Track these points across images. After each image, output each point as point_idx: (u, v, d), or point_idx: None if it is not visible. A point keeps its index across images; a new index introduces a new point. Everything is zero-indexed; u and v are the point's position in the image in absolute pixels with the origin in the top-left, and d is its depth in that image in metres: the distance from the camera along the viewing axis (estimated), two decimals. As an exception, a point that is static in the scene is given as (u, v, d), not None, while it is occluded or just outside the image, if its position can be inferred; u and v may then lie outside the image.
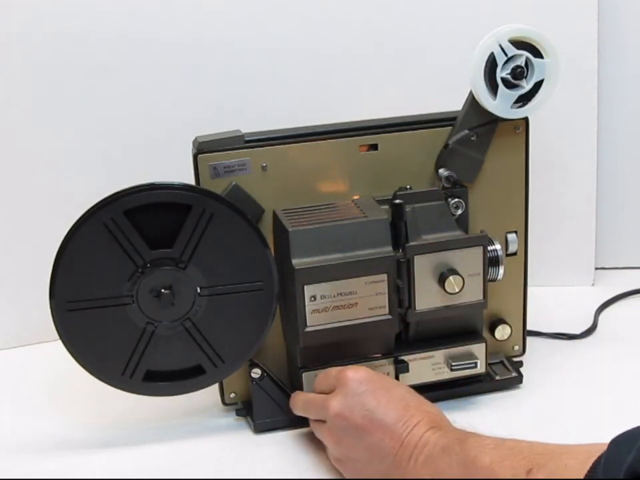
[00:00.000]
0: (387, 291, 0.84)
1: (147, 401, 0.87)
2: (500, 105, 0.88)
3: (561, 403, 0.91)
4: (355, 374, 0.78)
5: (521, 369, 0.95)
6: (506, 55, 0.86)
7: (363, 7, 1.07)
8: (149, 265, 0.82)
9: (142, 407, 0.91)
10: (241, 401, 0.92)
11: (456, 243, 0.85)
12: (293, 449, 0.86)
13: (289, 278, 0.84)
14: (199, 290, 0.83)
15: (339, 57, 1.08)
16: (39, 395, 0.98)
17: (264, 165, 0.87)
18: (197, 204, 0.81)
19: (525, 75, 0.87)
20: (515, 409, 0.90)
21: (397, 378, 0.88)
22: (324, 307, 0.83)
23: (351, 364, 0.85)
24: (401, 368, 0.87)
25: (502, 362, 0.96)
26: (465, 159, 0.90)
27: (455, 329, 0.89)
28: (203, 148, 0.86)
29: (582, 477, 0.57)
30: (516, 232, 0.94)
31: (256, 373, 0.88)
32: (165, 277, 0.83)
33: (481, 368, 0.89)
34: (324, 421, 0.79)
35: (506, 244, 0.93)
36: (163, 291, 0.83)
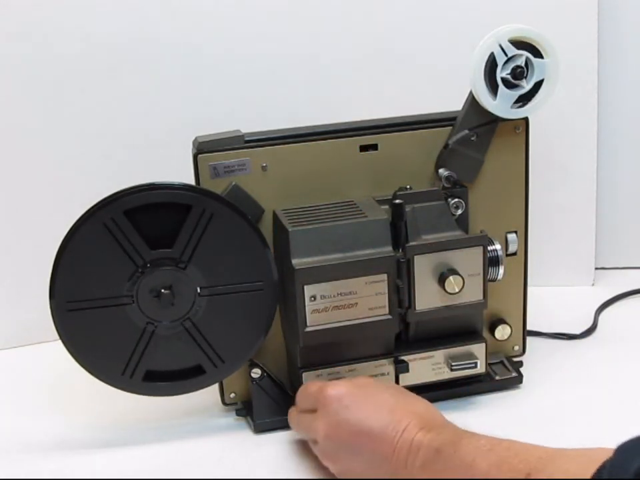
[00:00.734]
0: (387, 291, 0.84)
1: (147, 401, 0.87)
2: (500, 105, 0.88)
3: (560, 403, 0.91)
4: (334, 390, 0.77)
5: (521, 369, 0.95)
6: (506, 54, 0.86)
7: (362, 7, 1.07)
8: (148, 265, 0.82)
9: (142, 407, 0.91)
10: (241, 401, 0.92)
11: (456, 242, 0.85)
12: (293, 449, 0.86)
13: (289, 278, 0.84)
14: (198, 290, 0.83)
15: (338, 57, 1.08)
16: (39, 395, 0.98)
17: (264, 165, 0.87)
18: (197, 204, 0.81)
19: (524, 75, 0.87)
20: (515, 409, 0.90)
21: (397, 378, 0.88)
22: (324, 306, 0.83)
23: (351, 364, 0.85)
24: (400, 368, 0.87)
25: (502, 362, 0.96)
26: (465, 159, 0.90)
27: (454, 329, 0.89)
28: (202, 148, 0.86)
29: None
30: (516, 232, 0.94)
31: (256, 372, 0.88)
32: (165, 277, 0.83)
33: (480, 368, 0.89)
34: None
35: (506, 244, 0.93)
36: (162, 291, 0.83)
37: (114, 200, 0.80)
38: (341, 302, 0.83)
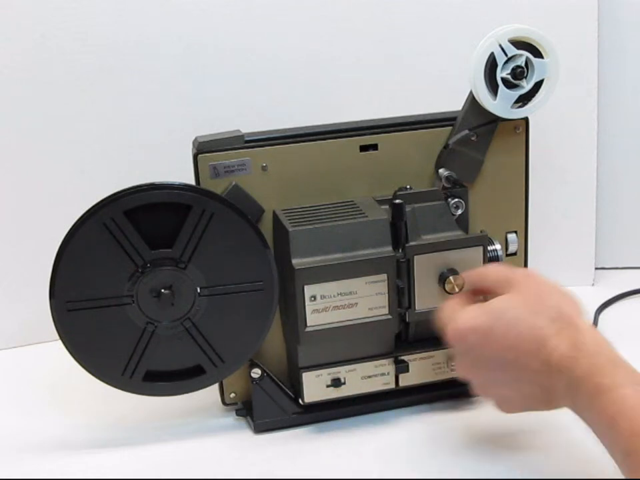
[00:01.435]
0: (387, 291, 0.84)
1: (147, 401, 0.87)
2: (500, 104, 0.88)
3: (561, 402, 0.91)
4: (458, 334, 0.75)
5: (521, 369, 0.95)
6: (506, 55, 0.86)
7: (363, 7, 1.07)
8: (149, 265, 0.82)
9: (142, 407, 0.91)
10: (241, 401, 0.92)
11: (456, 242, 0.85)
12: (293, 449, 0.86)
13: (289, 278, 0.84)
14: (198, 290, 0.83)
15: (339, 57, 1.08)
16: (39, 395, 0.98)
17: (264, 165, 0.87)
18: (197, 204, 0.81)
19: (525, 75, 0.87)
20: (515, 408, 0.90)
21: (397, 378, 0.88)
22: (324, 306, 0.83)
23: (351, 364, 0.85)
24: (400, 368, 0.87)
25: (502, 362, 0.95)
26: (465, 159, 0.90)
27: (455, 329, 0.89)
28: (202, 148, 0.86)
29: None
30: (516, 232, 0.94)
31: (256, 372, 0.88)
32: (165, 277, 0.83)
33: (480, 368, 0.89)
34: None
35: (506, 244, 0.93)
36: (163, 290, 0.83)
37: (114, 200, 0.80)
38: (341, 302, 0.83)
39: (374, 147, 0.90)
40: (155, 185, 0.81)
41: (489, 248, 0.88)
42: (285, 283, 0.85)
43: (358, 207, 0.87)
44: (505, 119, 0.89)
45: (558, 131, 1.12)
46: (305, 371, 0.86)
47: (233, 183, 0.86)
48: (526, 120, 0.91)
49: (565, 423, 0.87)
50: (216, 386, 0.90)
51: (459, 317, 0.75)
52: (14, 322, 1.09)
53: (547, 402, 0.71)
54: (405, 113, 0.92)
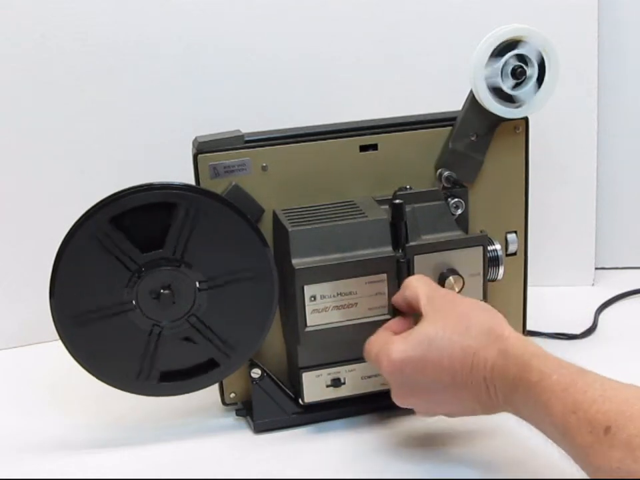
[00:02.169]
0: (386, 291, 0.84)
1: (147, 401, 0.87)
2: (500, 105, 0.88)
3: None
4: (389, 364, 0.76)
5: (521, 369, 0.95)
6: (506, 55, 0.86)
7: (363, 7, 1.07)
8: (143, 269, 0.82)
9: (142, 407, 0.91)
10: (241, 401, 0.92)
11: (456, 242, 0.85)
12: (293, 449, 0.86)
13: (289, 278, 0.84)
14: (198, 285, 0.83)
15: (339, 57, 1.08)
16: (39, 395, 0.98)
17: (264, 165, 0.87)
18: (182, 200, 0.81)
19: (525, 74, 0.87)
20: (515, 408, 0.90)
21: (396, 378, 0.88)
22: (324, 306, 0.83)
23: (351, 364, 0.85)
24: (400, 368, 0.87)
25: (502, 362, 0.95)
26: (465, 159, 0.90)
27: (455, 329, 0.89)
28: (202, 148, 0.86)
29: None
30: (516, 232, 0.94)
31: (256, 373, 0.88)
32: (162, 278, 0.82)
33: (480, 368, 0.89)
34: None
35: (506, 244, 0.93)
36: (162, 291, 0.82)
37: (97, 210, 0.80)
38: (341, 302, 0.83)
39: (374, 147, 0.90)
40: (135, 188, 0.80)
41: (489, 248, 0.88)
42: (285, 282, 0.85)
43: (358, 207, 0.87)
44: (505, 118, 0.89)
45: (558, 130, 1.12)
46: (304, 371, 0.86)
47: (233, 183, 0.86)
48: (526, 120, 0.91)
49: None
50: (216, 386, 0.90)
51: (391, 350, 0.76)
52: (14, 322, 1.09)
53: (489, 409, 0.74)
54: (405, 113, 0.92)
